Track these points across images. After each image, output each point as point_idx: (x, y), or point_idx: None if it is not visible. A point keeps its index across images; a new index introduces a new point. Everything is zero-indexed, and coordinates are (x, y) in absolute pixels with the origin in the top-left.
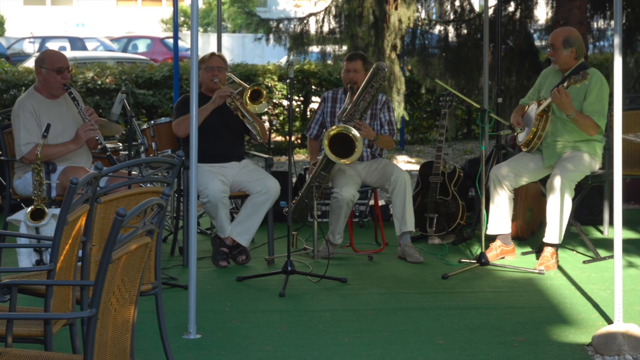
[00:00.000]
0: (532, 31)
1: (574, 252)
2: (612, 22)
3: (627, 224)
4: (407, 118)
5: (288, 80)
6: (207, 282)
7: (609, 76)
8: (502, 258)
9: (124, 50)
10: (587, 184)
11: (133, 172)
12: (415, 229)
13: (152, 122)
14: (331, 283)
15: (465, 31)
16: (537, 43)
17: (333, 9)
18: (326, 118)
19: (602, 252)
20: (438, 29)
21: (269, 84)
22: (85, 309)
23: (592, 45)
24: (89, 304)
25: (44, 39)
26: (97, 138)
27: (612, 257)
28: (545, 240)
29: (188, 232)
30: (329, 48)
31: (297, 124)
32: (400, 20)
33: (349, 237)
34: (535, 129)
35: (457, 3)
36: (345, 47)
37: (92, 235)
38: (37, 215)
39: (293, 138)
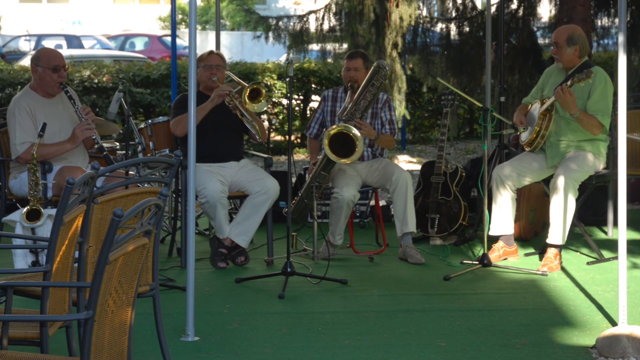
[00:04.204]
0: (535, 29)
1: (578, 253)
2: (617, 20)
3: (632, 224)
4: (408, 117)
5: (287, 79)
6: (205, 284)
7: (613, 74)
8: (505, 259)
9: (121, 48)
10: (591, 184)
11: (130, 172)
12: (417, 230)
13: (150, 121)
14: (331, 284)
15: (467, 29)
16: (540, 41)
17: (333, 6)
18: (326, 117)
19: (606, 253)
20: (440, 26)
21: (268, 83)
22: (82, 311)
23: (596, 43)
24: (85, 306)
25: (40, 37)
26: (94, 137)
27: (616, 258)
28: (548, 241)
29: (186, 233)
30: (329, 46)
31: (297, 123)
32: (401, 18)
33: (349, 238)
34: (539, 128)
35: (459, 0)
36: (345, 45)
37: (88, 236)
38: (33, 215)
39: (293, 137)
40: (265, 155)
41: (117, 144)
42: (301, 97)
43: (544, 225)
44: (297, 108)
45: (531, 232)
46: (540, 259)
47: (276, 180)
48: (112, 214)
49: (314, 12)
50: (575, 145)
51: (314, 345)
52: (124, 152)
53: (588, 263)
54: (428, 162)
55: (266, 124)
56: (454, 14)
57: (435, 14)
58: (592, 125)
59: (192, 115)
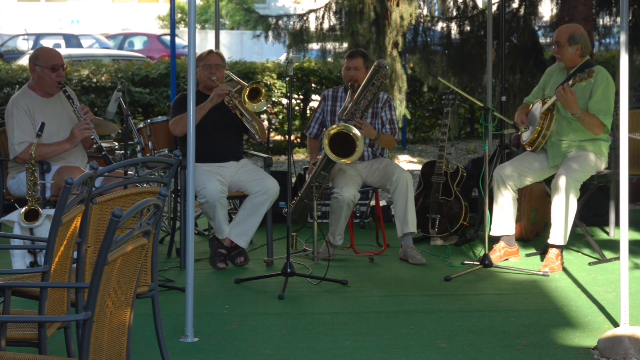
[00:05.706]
0: (536, 28)
1: (579, 253)
2: (619, 19)
3: (634, 224)
4: (409, 117)
5: (287, 78)
6: (204, 284)
7: (615, 74)
8: (506, 260)
9: (120, 47)
10: (593, 184)
11: (129, 172)
12: (417, 230)
13: (149, 120)
14: (331, 285)
15: (468, 28)
16: (542, 40)
17: (333, 5)
18: (326, 117)
19: (608, 254)
20: (440, 25)
21: (268, 82)
22: (81, 312)
23: (598, 42)
24: (84, 307)
25: (38, 36)
26: (93, 137)
27: (618, 258)
28: (549, 241)
29: (185, 233)
30: (329, 45)
31: (297, 122)
32: (401, 17)
33: (349, 238)
34: (540, 127)
35: None
36: (345, 45)
37: (87, 236)
38: (31, 216)
39: (292, 137)
40: (265, 155)
41: (116, 143)
42: (301, 97)
43: (545, 225)
44: (297, 108)
45: (532, 233)
46: (542, 260)
47: (276, 180)
48: (110, 214)
49: (314, 11)
50: (577, 145)
51: (314, 346)
52: (122, 151)
53: (590, 263)
54: (429, 162)
55: (266, 123)
56: (454, 13)
57: (436, 13)
58: (593, 125)
59: (192, 114)
